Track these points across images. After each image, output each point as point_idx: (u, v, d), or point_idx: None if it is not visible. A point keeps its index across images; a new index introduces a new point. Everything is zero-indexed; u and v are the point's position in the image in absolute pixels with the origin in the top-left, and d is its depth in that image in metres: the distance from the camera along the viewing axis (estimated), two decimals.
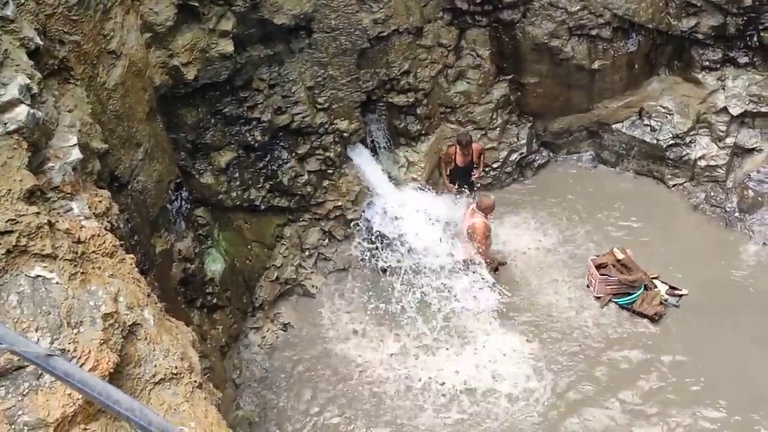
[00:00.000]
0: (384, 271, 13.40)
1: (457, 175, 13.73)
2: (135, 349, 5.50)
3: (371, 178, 13.49)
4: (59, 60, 7.36)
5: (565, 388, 11.42)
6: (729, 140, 13.96)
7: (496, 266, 13.22)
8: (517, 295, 12.93)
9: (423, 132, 14.11)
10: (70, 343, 4.90)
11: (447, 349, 12.21)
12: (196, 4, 10.28)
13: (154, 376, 5.50)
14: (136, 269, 6.40)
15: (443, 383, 11.71)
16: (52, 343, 4.81)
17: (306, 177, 12.80)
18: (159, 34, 10.01)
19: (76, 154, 6.39)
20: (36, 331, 4.80)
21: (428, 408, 11.42)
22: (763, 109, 13.58)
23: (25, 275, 5.00)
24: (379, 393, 11.70)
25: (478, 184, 14.37)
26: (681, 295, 12.49)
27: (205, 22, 10.53)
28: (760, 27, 13.13)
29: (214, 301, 11.60)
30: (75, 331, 5.00)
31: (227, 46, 10.83)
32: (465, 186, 13.82)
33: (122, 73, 8.77)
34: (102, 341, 5.07)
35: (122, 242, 6.52)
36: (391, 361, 12.13)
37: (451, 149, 13.53)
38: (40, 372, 4.53)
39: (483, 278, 12.79)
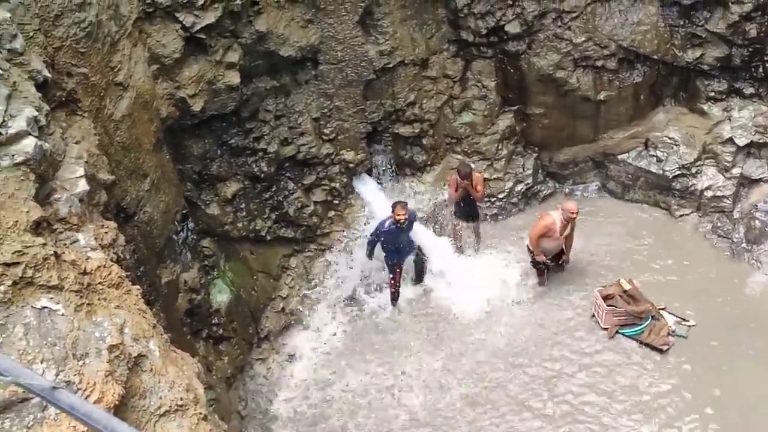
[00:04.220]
0: (395, 299, 13.48)
1: (458, 205, 13.66)
2: (140, 381, 5.48)
3: (377, 209, 13.49)
4: (67, 92, 7.42)
5: (566, 417, 11.34)
6: (735, 171, 13.94)
7: (535, 262, 13.14)
8: (522, 326, 12.89)
9: (428, 163, 14.16)
10: (75, 375, 4.88)
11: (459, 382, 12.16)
12: (203, 37, 10.36)
13: (159, 408, 5.47)
14: (142, 300, 6.39)
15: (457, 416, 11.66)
16: (57, 375, 4.79)
17: (312, 207, 12.82)
18: (166, 66, 10.09)
19: (82, 186, 6.42)
20: (41, 363, 4.78)
21: None
22: None
23: (31, 307, 4.99)
24: (384, 423, 11.63)
25: (483, 216, 14.32)
26: (689, 326, 12.42)
27: (211, 54, 10.61)
28: (766, 58, 13.15)
29: (220, 332, 11.58)
30: (80, 362, 4.99)
31: (234, 78, 10.90)
32: (468, 217, 13.78)
33: (129, 105, 8.82)
34: (107, 373, 5.05)
35: (128, 273, 6.53)
36: (398, 392, 12.07)
37: (451, 178, 13.47)
38: (45, 404, 4.51)
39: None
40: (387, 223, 12.49)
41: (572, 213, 12.31)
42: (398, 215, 12.27)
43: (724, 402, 11.25)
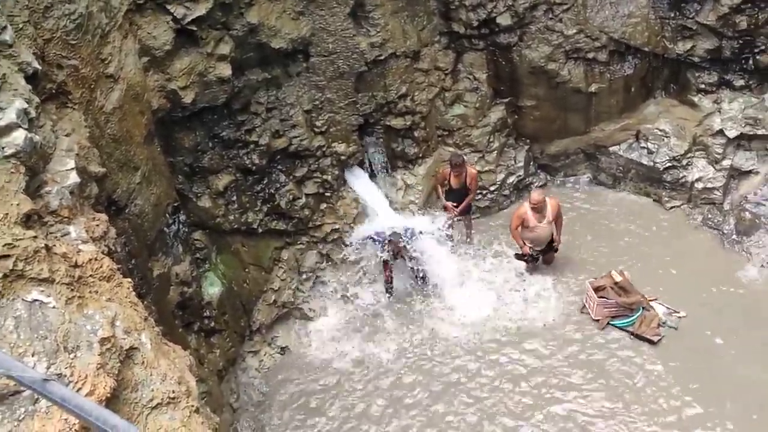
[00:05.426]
0: (389, 290, 13.52)
1: (451, 197, 13.68)
2: (132, 374, 5.47)
3: (369, 201, 13.50)
4: (57, 84, 7.38)
5: (561, 412, 11.37)
6: (726, 162, 13.99)
7: (521, 254, 13.23)
8: (511, 316, 12.94)
9: (420, 155, 14.16)
10: (66, 368, 4.87)
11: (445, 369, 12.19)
12: (194, 29, 10.33)
13: (151, 400, 5.46)
14: (134, 293, 6.37)
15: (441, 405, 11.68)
16: (48, 367, 4.78)
17: (304, 200, 12.81)
18: (157, 58, 10.05)
19: (73, 178, 6.40)
20: (32, 356, 4.77)
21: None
22: (759, 132, 13.59)
23: (22, 299, 4.97)
24: (376, 417, 11.65)
25: (474, 208, 14.36)
26: (679, 317, 12.46)
27: (203, 46, 10.58)
28: (756, 50, 13.18)
29: (212, 324, 11.57)
30: (72, 355, 4.98)
31: (225, 70, 10.87)
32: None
33: (120, 97, 8.79)
34: (99, 366, 5.04)
35: (119, 266, 6.51)
36: (387, 383, 12.10)
37: (446, 170, 13.51)
38: (36, 397, 4.50)
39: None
40: (384, 251, 12.95)
41: (533, 202, 12.51)
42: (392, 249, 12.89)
43: (715, 391, 11.30)
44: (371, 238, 13.11)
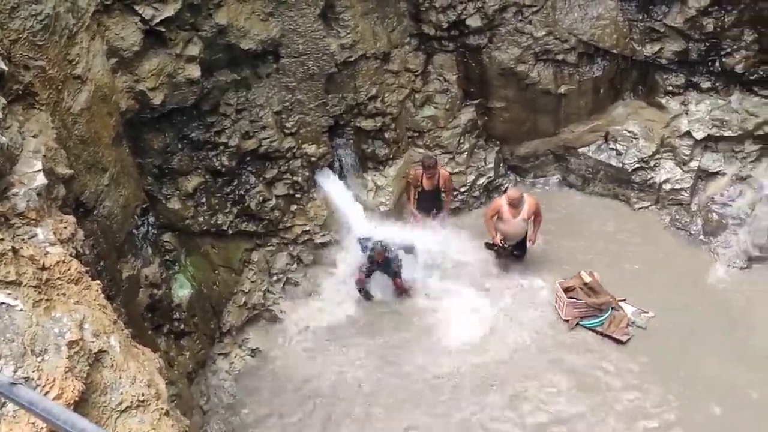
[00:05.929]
0: (368, 297, 13.52)
1: (423, 199, 13.71)
2: (101, 377, 5.42)
3: (339, 203, 13.48)
4: (24, 85, 7.31)
5: (531, 412, 11.42)
6: (693, 164, 14.14)
7: (491, 243, 13.35)
8: (484, 319, 12.96)
9: (391, 156, 14.16)
10: (34, 371, 4.82)
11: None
12: (163, 30, 10.25)
13: (120, 403, 5.42)
14: (102, 295, 6.32)
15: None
16: (15, 371, 4.73)
17: (274, 201, 12.76)
18: (125, 59, 9.96)
19: (40, 180, 6.33)
20: None
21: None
22: (725, 133, 13.73)
23: None
24: (349, 418, 11.64)
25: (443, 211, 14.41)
26: (648, 317, 12.56)
27: (171, 47, 10.50)
28: (722, 52, 13.32)
29: (182, 327, 11.50)
30: (39, 359, 4.93)
31: (194, 71, 10.80)
32: (432, 210, 13.79)
33: (88, 98, 8.71)
34: (67, 369, 4.99)
35: (88, 268, 6.45)
36: (360, 383, 12.09)
37: (418, 172, 13.52)
38: (3, 401, 4.45)
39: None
40: (367, 257, 12.93)
41: (509, 199, 12.71)
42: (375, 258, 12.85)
43: (683, 390, 11.42)
44: (357, 238, 13.11)
